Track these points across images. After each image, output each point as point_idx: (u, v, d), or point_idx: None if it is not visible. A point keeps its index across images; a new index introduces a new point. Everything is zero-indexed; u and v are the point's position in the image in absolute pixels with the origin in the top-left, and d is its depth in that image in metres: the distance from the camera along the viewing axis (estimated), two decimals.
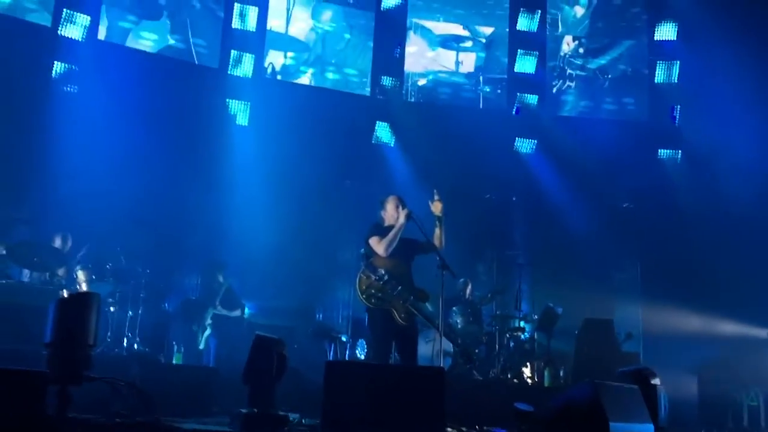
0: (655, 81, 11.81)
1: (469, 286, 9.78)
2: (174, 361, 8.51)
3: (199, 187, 10.19)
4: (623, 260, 11.20)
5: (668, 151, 11.61)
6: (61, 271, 8.07)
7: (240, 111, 10.83)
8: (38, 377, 3.42)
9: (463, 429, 5.51)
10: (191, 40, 11.18)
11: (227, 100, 10.82)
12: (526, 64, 11.81)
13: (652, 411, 5.47)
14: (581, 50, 12.54)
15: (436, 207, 6.15)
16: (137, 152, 9.53)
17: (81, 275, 8.01)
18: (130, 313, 8.17)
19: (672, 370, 8.36)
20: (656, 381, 5.88)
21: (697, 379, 9.18)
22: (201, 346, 9.13)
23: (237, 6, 10.92)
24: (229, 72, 10.84)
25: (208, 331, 9.17)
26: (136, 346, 8.09)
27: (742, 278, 10.17)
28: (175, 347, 8.75)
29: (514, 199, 11.66)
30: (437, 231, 6.14)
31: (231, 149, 10.63)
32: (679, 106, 11.55)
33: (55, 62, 9.59)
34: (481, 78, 12.52)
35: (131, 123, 9.56)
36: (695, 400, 8.94)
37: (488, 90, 12.50)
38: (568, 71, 12.42)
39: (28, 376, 3.39)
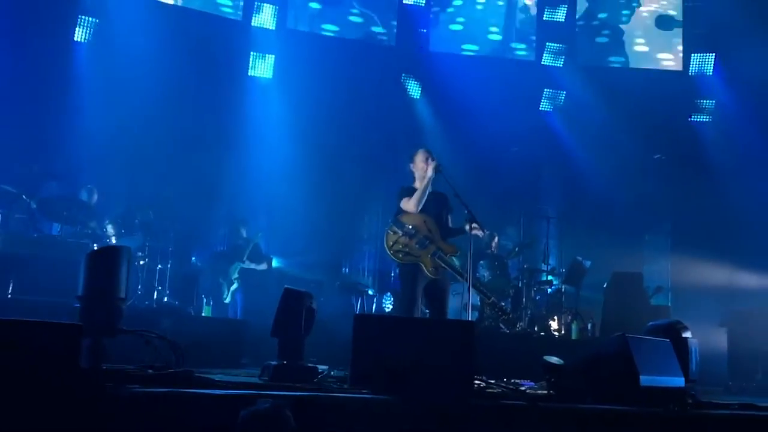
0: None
1: (496, 239, 9.71)
2: (203, 314, 8.62)
3: (225, 142, 10.19)
4: (653, 214, 11.05)
5: (703, 101, 11.32)
6: (90, 225, 8.16)
7: (263, 64, 10.72)
8: (73, 330, 3.45)
9: (492, 382, 5.50)
10: None
11: (251, 52, 10.71)
12: (556, 14, 11.52)
13: (684, 365, 5.42)
14: None
15: (474, 229, 6.02)
16: (162, 107, 9.50)
17: (110, 229, 8.10)
18: (159, 266, 8.26)
19: (701, 323, 8.29)
20: (688, 334, 5.82)
21: (726, 332, 9.11)
22: (227, 300, 9.23)
23: None
24: (252, 24, 10.72)
25: (234, 285, 9.24)
26: (166, 298, 8.21)
27: None
28: (204, 300, 8.86)
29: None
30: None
31: (254, 103, 10.56)
32: (714, 55, 11.19)
33: (79, 16, 9.52)
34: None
35: (156, 77, 9.49)
36: (725, 353, 8.88)
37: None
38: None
39: (63, 328, 3.43)
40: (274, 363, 5.08)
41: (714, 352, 8.58)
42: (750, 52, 10.48)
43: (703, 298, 9.93)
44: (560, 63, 11.51)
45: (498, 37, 12.16)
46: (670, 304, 9.93)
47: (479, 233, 6.07)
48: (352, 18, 11.75)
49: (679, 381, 5.23)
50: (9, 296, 6.71)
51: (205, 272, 9.34)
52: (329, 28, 11.67)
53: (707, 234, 10.59)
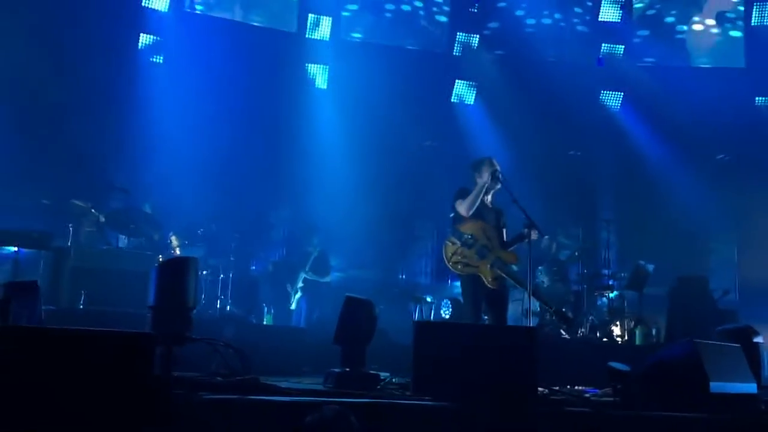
0: (751, 23, 11.12)
1: (555, 244, 9.60)
2: (265, 322, 8.76)
3: (283, 154, 10.34)
4: (718, 214, 10.72)
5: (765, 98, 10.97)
6: (155, 237, 8.39)
7: (319, 74, 10.87)
8: (147, 339, 3.57)
9: (555, 389, 5.43)
10: None
11: (306, 64, 10.87)
12: (610, 13, 11.34)
13: (755, 370, 5.27)
14: None
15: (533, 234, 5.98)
16: (223, 121, 9.73)
17: (174, 240, 8.32)
18: (222, 275, 8.43)
19: None
20: (759, 339, 5.65)
21: None
22: (293, 307, 9.35)
23: None
24: (306, 36, 10.88)
25: (299, 294, 9.36)
26: (228, 307, 8.36)
27: None
28: (265, 309, 9.00)
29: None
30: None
31: (311, 115, 10.70)
32: None
33: (141, 34, 9.84)
34: None
35: (217, 92, 9.74)
36: None
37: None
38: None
39: (138, 338, 3.55)
40: (337, 370, 5.13)
41: None
42: None
43: None
44: (617, 64, 11.29)
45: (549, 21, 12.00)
46: (738, 308, 9.61)
47: (536, 237, 6.00)
48: (403, 7, 11.75)
49: (751, 387, 5.08)
50: (81, 307, 6.95)
51: (265, 281, 9.48)
52: (380, 37, 11.75)
53: None
